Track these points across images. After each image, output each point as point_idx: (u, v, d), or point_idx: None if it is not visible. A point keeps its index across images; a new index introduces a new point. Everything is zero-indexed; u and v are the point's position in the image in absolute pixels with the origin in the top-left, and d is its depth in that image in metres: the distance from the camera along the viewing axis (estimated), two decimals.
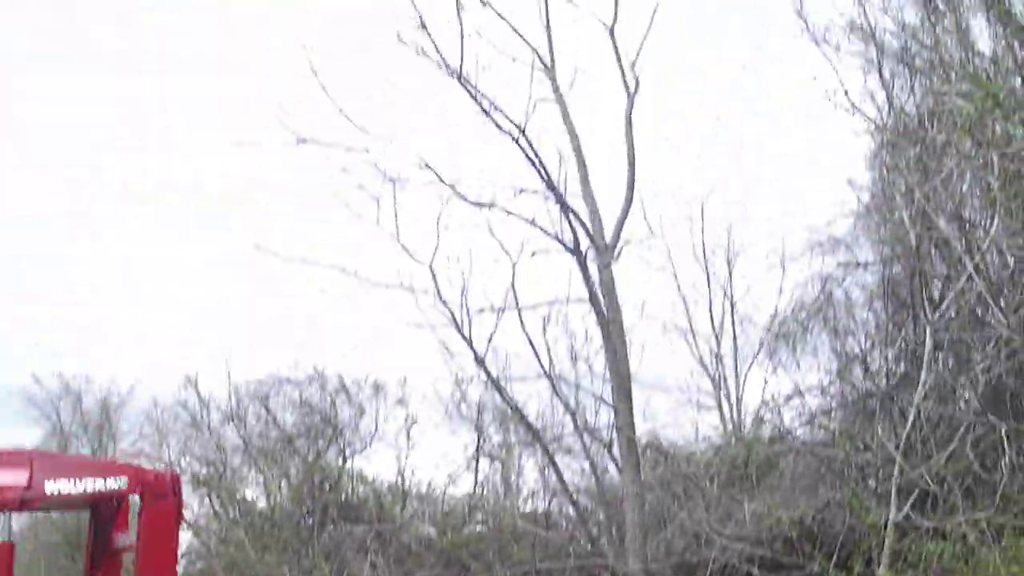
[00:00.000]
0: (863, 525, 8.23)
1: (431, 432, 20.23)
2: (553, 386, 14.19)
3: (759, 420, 15.39)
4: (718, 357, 20.03)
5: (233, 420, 21.31)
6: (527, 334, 13.62)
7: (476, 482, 19.53)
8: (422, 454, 20.76)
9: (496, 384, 13.93)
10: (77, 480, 7.57)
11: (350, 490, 20.27)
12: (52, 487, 7.41)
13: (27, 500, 7.34)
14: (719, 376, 19.97)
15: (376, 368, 20.75)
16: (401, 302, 13.64)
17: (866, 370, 13.46)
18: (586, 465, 14.85)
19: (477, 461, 19.49)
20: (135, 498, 8.22)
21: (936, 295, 11.40)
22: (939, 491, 9.35)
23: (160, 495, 7.82)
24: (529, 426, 14.69)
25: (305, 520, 19.26)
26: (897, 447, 9.90)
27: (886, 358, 13.22)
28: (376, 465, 21.17)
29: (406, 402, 20.92)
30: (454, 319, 13.34)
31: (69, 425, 33.52)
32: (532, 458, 17.93)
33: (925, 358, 10.40)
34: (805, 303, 15.31)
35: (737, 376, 19.73)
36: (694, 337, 20.17)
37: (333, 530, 18.46)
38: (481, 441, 19.27)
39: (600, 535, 13.89)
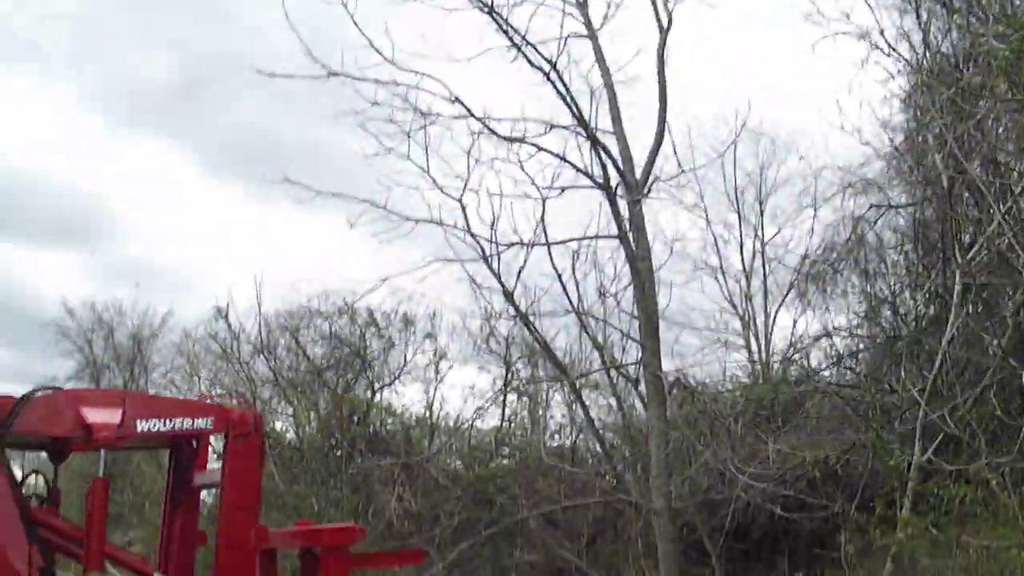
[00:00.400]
0: (886, 467, 8.25)
1: (460, 366, 20.43)
2: (581, 322, 14.28)
3: (787, 361, 15.43)
4: (747, 297, 20.09)
5: (263, 352, 21.57)
6: (556, 270, 13.75)
7: (504, 417, 19.72)
8: (451, 388, 21.01)
9: (524, 319, 14.01)
10: (166, 419, 7.88)
11: (378, 423, 20.54)
12: (143, 426, 7.69)
13: (120, 438, 7.57)
14: (748, 316, 20.06)
15: (405, 302, 20.90)
16: (431, 236, 13.73)
17: (895, 313, 13.43)
18: (613, 402, 14.98)
19: (505, 396, 19.65)
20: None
21: (967, 239, 11.32)
22: (963, 435, 9.38)
23: (244, 434, 8.11)
24: (556, 361, 14.79)
25: (333, 452, 19.56)
26: (923, 391, 9.91)
27: (915, 301, 13.18)
28: (405, 398, 21.45)
29: (435, 336, 21.14)
30: (483, 254, 13.44)
31: (101, 357, 34.05)
32: (559, 393, 18.06)
33: (953, 302, 10.37)
34: (836, 244, 15.20)
35: (766, 316, 19.82)
36: (724, 276, 20.24)
37: (361, 462, 18.66)
38: (509, 376, 19.42)
39: (625, 471, 14.04)
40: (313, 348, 21.69)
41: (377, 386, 21.11)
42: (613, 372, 14.47)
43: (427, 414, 20.67)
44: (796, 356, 14.11)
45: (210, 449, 8.84)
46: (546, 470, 15.69)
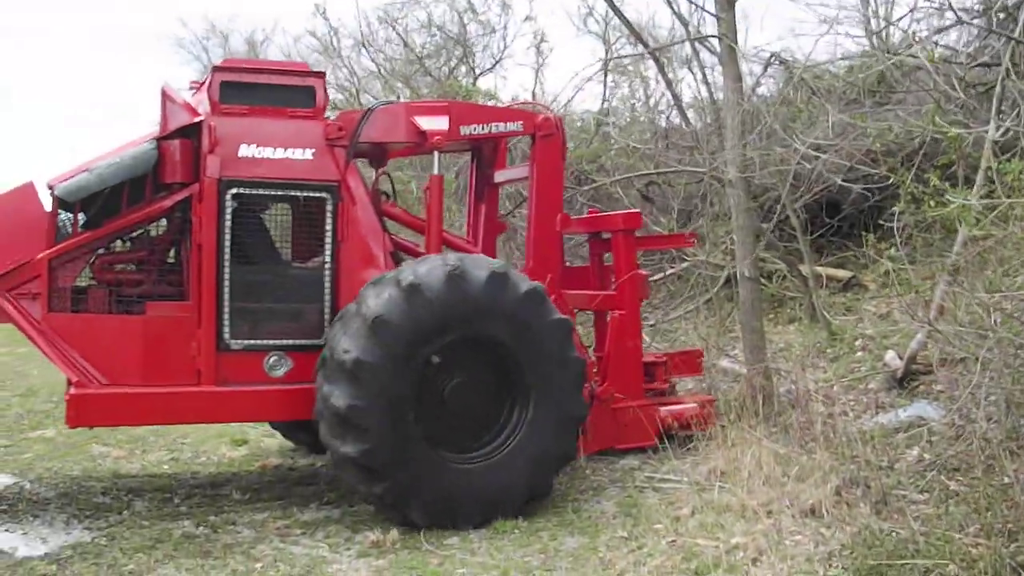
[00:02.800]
0: (947, 139, 7.74)
1: (560, 49, 19.98)
2: None
3: (907, 43, 14.25)
4: None
5: (364, 45, 21.45)
6: None
7: (604, 98, 19.29)
8: (553, 72, 20.67)
9: None
10: (484, 124, 8.94)
11: None
12: (466, 130, 8.82)
13: (448, 141, 8.61)
14: None
15: None
16: None
17: None
18: (699, 78, 14.43)
19: (606, 75, 19.17)
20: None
21: None
22: None
23: (549, 134, 9.09)
24: (633, 30, 14.29)
25: None
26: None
27: None
28: (509, 84, 21.26)
29: (534, 17, 20.57)
30: None
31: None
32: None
33: None
34: None
35: None
36: None
37: None
38: (608, 55, 18.85)
39: (713, 150, 13.72)
40: (413, 38, 21.45)
41: (478, 72, 20.89)
42: (699, 46, 13.83)
43: (531, 97, 20.45)
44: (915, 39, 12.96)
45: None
46: (643, 151, 15.49)
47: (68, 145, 44.03)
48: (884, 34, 14.56)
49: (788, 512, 6.88)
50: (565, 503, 7.90)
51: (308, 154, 8.02)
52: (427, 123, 8.47)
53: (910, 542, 5.95)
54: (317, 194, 8.06)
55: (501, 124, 9.02)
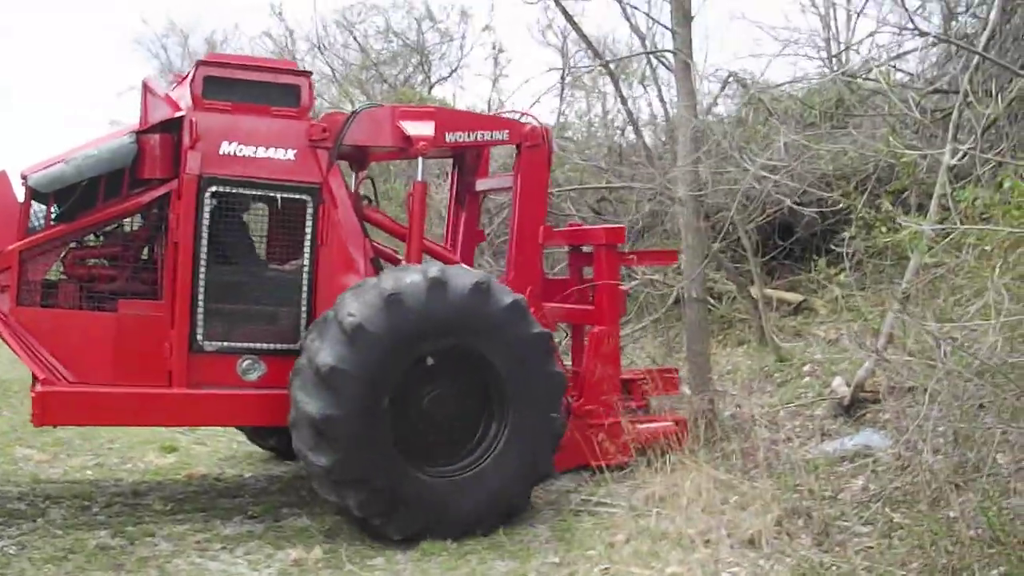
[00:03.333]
0: (901, 165, 7.61)
1: (520, 60, 19.86)
2: (621, 4, 13.42)
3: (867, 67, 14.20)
4: None
5: (319, 48, 21.16)
6: None
7: (560, 112, 19.13)
8: (510, 83, 20.54)
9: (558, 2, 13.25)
10: (470, 132, 8.81)
11: None
12: (451, 137, 8.65)
13: (432, 148, 8.45)
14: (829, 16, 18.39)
15: None
16: None
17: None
18: (655, 94, 14.31)
19: (563, 89, 19.01)
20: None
21: None
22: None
23: (535, 145, 8.95)
24: (588, 42, 14.18)
25: None
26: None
27: None
28: (467, 95, 21.06)
29: (493, 28, 20.41)
30: None
31: (178, 63, 34.08)
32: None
33: None
34: None
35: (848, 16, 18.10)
36: None
37: None
38: (566, 68, 18.70)
39: (665, 168, 13.58)
40: (370, 44, 21.18)
41: (434, 80, 20.68)
42: (657, 63, 13.71)
43: (487, 109, 20.25)
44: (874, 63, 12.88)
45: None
46: (594, 166, 15.35)
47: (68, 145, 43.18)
48: (844, 57, 14.52)
49: (727, 542, 6.65)
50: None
51: (291, 154, 7.87)
52: (413, 128, 8.35)
53: None
54: (298, 195, 7.94)
55: (487, 132, 8.92)
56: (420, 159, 8.50)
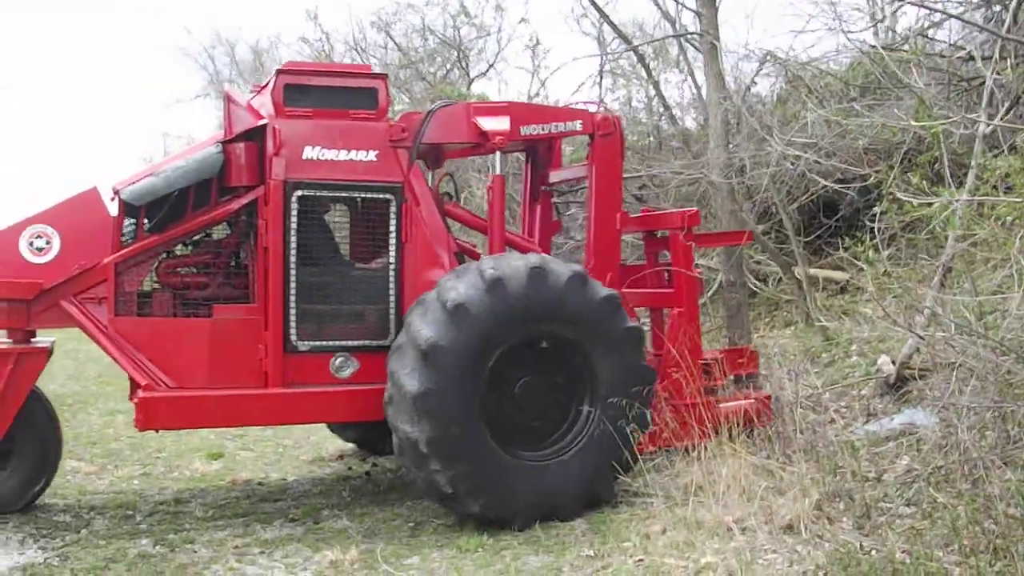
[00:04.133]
0: (931, 135, 7.39)
1: (556, 51, 19.73)
2: None
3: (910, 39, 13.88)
4: None
5: (356, 49, 21.21)
6: None
7: (600, 99, 18.97)
8: (550, 73, 20.39)
9: None
10: (543, 124, 8.90)
11: None
12: (525, 130, 8.81)
13: (508, 142, 8.58)
14: None
15: None
16: None
17: None
18: (689, 80, 14.12)
19: (601, 78, 18.87)
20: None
21: None
22: None
23: (608, 134, 9.04)
24: (616, 29, 14.03)
25: None
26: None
27: None
28: (510, 89, 20.97)
29: (528, 20, 20.32)
30: None
31: (227, 73, 34.52)
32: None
33: None
34: None
35: None
36: None
37: None
38: (603, 59, 18.55)
39: (701, 151, 13.43)
40: (407, 42, 21.20)
41: (472, 76, 20.62)
42: (687, 45, 13.53)
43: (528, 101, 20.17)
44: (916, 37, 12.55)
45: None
46: (635, 149, 15.21)
47: (143, 155, 44.08)
48: (886, 27, 14.19)
49: (764, 529, 6.53)
50: (503, 530, 7.49)
51: (372, 155, 8.07)
52: (488, 123, 8.50)
53: (889, 561, 5.60)
54: (381, 195, 8.13)
55: (560, 124, 9.00)
56: (497, 153, 8.62)
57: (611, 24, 13.91)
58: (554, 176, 9.88)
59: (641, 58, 13.99)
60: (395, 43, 21.00)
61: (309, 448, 10.95)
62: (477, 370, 7.32)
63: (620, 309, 7.82)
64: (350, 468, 9.96)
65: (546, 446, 7.74)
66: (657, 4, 13.40)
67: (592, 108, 9.50)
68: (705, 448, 7.65)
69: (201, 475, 9.69)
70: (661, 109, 15.64)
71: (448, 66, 20.90)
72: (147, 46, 55.10)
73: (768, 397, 9.25)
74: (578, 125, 9.06)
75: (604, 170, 9.05)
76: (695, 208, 9.80)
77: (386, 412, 7.56)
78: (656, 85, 14.15)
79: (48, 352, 8.04)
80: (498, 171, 8.64)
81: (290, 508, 8.39)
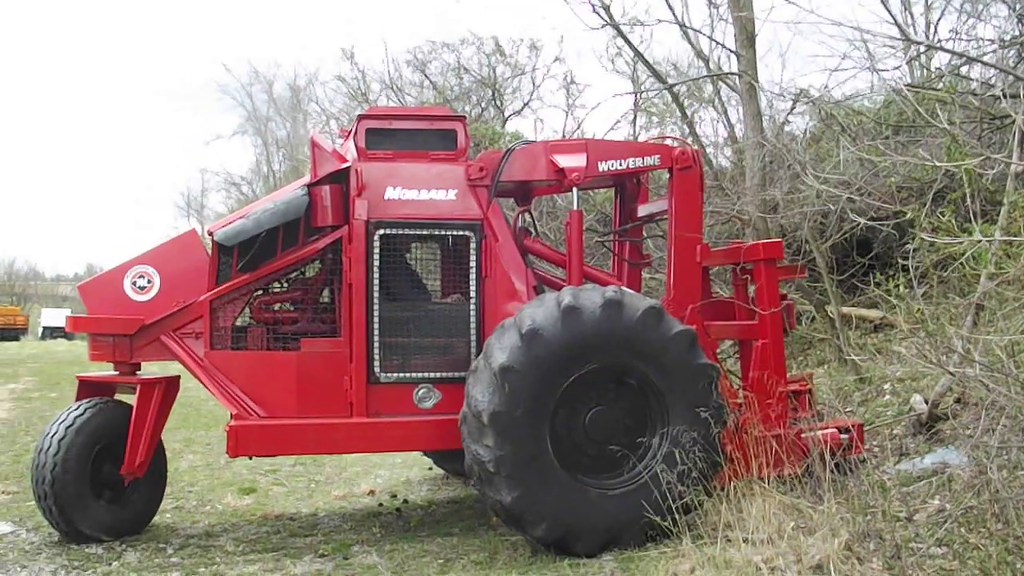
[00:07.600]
0: (964, 173, 7.37)
1: (591, 90, 19.83)
2: (682, 30, 13.41)
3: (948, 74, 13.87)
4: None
5: (392, 88, 21.45)
6: None
7: (634, 137, 19.09)
8: (586, 114, 20.49)
9: (617, 28, 13.27)
10: (621, 160, 9.05)
11: None
12: (603, 166, 8.95)
13: (586, 179, 8.82)
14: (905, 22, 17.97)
15: (529, 27, 20.22)
16: None
17: None
18: (723, 118, 14.16)
19: (635, 115, 19.02)
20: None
21: None
22: None
23: (686, 167, 9.17)
24: (651, 68, 14.12)
25: None
26: None
27: None
28: (546, 128, 21.09)
29: (563, 59, 20.48)
30: None
31: (265, 110, 34.98)
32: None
33: None
34: None
35: (927, 25, 17.71)
36: None
37: None
38: (638, 96, 18.68)
39: (736, 190, 13.44)
40: (442, 81, 21.42)
41: (507, 114, 20.78)
42: (722, 85, 13.59)
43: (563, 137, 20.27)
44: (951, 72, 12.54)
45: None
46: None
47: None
48: (914, 66, 14.16)
49: (794, 568, 6.48)
50: (564, 556, 7.55)
51: (451, 194, 8.41)
52: (565, 161, 8.73)
53: None
54: (461, 232, 8.43)
55: (638, 159, 9.12)
56: (575, 189, 8.81)
57: (645, 63, 14.03)
58: (642, 210, 9.96)
59: (675, 96, 14.06)
60: (431, 81, 21.23)
61: (341, 484, 11.01)
62: (548, 395, 7.45)
63: (695, 345, 7.82)
64: (381, 504, 9.99)
65: (614, 475, 7.79)
66: (691, 43, 13.49)
67: (670, 142, 9.54)
68: (734, 487, 7.61)
69: (233, 509, 9.76)
70: (695, 148, 15.62)
71: (483, 104, 21.09)
72: (191, 82, 56.02)
73: (860, 425, 9.16)
74: (656, 160, 9.18)
75: (683, 203, 9.13)
76: (777, 240, 9.80)
77: (460, 432, 7.73)
78: (691, 124, 14.22)
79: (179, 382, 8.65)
80: (575, 206, 8.85)
81: (320, 543, 8.42)
